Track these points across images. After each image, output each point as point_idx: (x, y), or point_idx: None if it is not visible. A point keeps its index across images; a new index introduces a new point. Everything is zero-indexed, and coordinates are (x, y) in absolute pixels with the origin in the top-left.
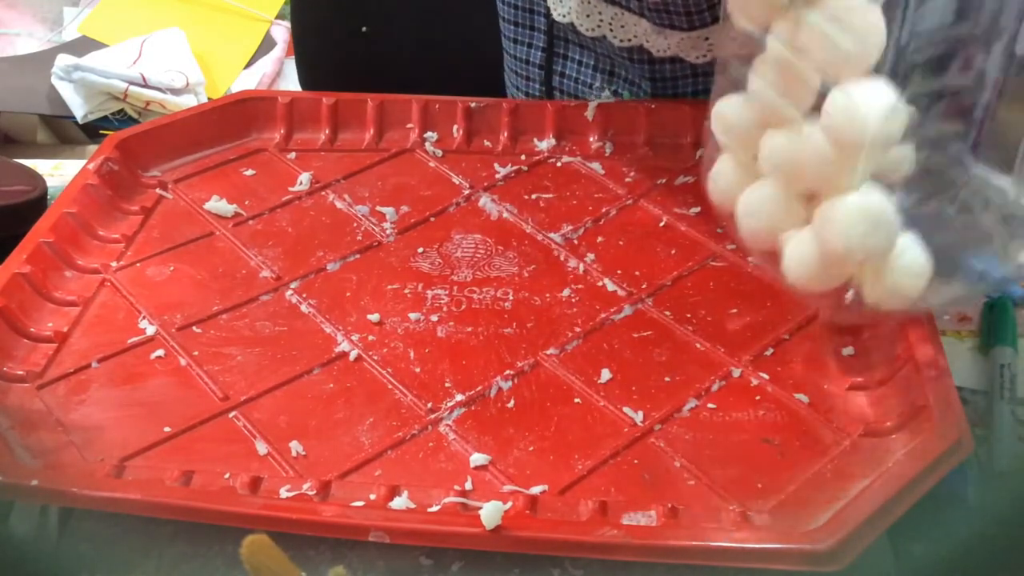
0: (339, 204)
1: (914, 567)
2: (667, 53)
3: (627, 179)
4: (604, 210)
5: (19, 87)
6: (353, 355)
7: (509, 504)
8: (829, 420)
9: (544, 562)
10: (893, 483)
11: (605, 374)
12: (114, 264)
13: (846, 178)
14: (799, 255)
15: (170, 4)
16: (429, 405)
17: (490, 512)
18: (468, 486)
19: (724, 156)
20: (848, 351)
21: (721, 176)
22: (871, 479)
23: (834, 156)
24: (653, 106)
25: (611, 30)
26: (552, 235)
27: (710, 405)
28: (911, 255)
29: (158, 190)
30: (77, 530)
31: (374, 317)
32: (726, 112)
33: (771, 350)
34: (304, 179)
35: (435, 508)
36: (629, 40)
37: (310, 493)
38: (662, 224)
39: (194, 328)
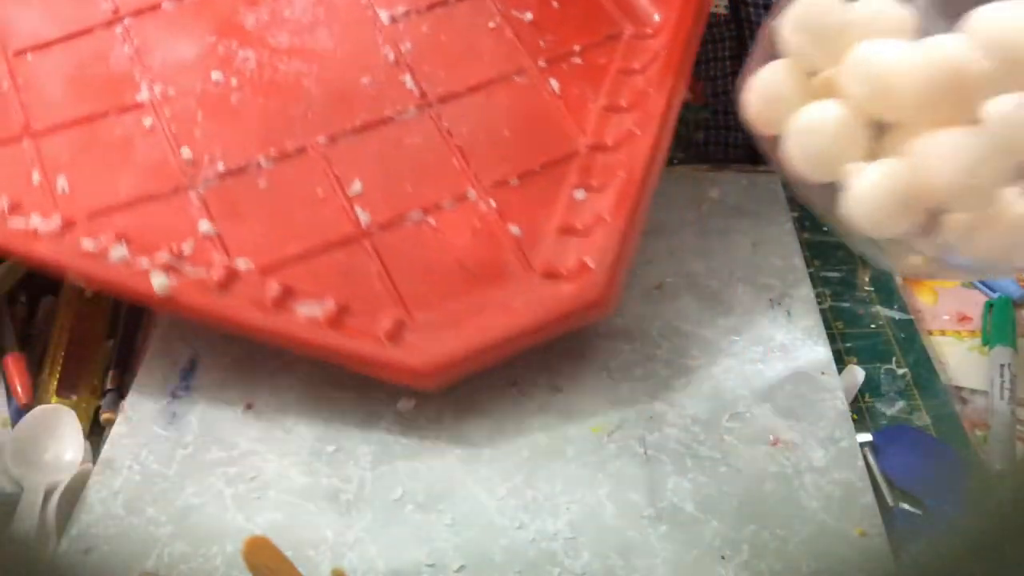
0: None
1: (914, 567)
2: None
3: None
4: None
5: None
6: (147, 104)
7: (176, 281)
8: (526, 257)
9: (544, 562)
10: (511, 326)
11: (358, 178)
12: None
13: (972, 110)
14: (871, 192)
15: None
16: (191, 165)
17: (158, 283)
18: (187, 249)
19: (779, 65)
20: (580, 195)
21: (774, 86)
22: (507, 318)
23: (979, 79)
24: None
25: None
26: (381, 13)
27: (431, 221)
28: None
29: None
30: (76, 529)
31: (178, 70)
32: (817, 8)
33: (515, 180)
34: None
35: (143, 262)
36: None
37: (53, 225)
38: (491, 24)
39: (28, 57)
